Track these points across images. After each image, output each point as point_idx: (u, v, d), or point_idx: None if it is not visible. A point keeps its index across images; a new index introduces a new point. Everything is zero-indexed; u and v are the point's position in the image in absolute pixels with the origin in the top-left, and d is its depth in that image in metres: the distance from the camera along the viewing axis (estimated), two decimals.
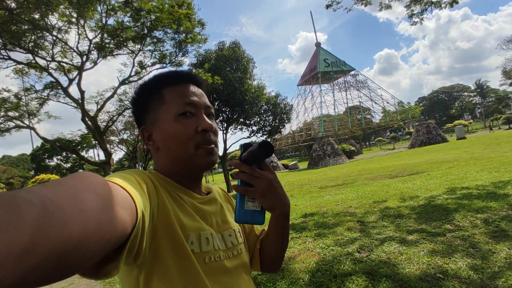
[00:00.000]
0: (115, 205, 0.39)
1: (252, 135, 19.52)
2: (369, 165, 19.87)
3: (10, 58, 11.92)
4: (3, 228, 0.23)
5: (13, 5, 9.49)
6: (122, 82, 14.24)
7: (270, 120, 19.27)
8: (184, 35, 14.12)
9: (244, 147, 0.72)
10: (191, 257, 0.66)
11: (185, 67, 17.28)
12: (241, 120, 18.68)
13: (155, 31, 13.33)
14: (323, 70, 48.18)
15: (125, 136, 21.86)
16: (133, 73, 14.70)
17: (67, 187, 0.34)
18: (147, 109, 0.79)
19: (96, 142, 14.40)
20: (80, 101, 12.30)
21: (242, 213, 0.73)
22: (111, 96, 14.45)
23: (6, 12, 9.28)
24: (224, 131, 18.58)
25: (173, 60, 15.45)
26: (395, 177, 10.75)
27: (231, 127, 19.07)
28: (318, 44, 51.14)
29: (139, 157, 20.91)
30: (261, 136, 19.62)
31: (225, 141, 18.62)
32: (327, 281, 3.27)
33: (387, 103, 49.43)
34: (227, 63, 17.60)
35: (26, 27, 10.59)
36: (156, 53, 14.98)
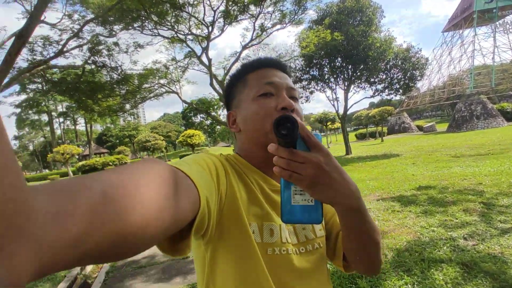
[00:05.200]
0: (176, 193, 0.40)
1: (376, 94, 17.89)
2: None
3: (159, 35, 14.31)
4: (59, 216, 0.24)
5: None
6: (244, 47, 15.16)
7: (399, 77, 17.07)
8: None
9: (278, 123, 0.52)
10: (253, 244, 0.65)
11: (305, 25, 16.92)
12: (364, 78, 17.24)
13: None
14: (482, 8, 37.84)
15: None
16: (254, 37, 15.43)
17: (131, 174, 0.35)
18: (233, 95, 0.82)
19: (223, 104, 16.27)
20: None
21: (289, 209, 0.58)
22: (235, 61, 15.67)
23: None
24: (345, 90, 17.64)
25: (293, 18, 15.33)
26: None
27: (353, 86, 17.92)
28: None
29: None
30: (386, 95, 17.74)
31: (346, 100, 17.75)
32: (411, 263, 3.02)
33: None
34: (349, 15, 16.15)
35: (168, 6, 12.36)
36: (276, 13, 15.13)
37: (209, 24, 13.64)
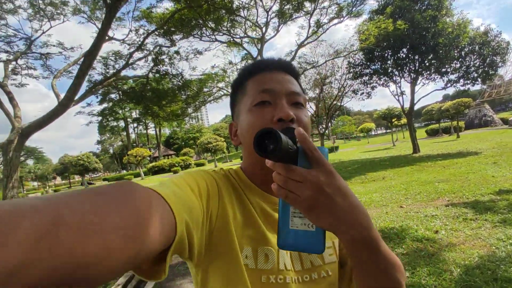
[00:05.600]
0: (148, 220, 0.37)
1: (449, 85, 16.07)
2: None
3: (216, 40, 14.89)
4: None
5: None
6: (300, 45, 14.95)
7: (476, 65, 15.08)
8: None
9: (258, 141, 0.45)
10: (243, 272, 0.59)
11: (364, 17, 15.99)
12: (434, 68, 15.61)
13: None
14: None
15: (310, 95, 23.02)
16: (310, 34, 15.11)
17: (95, 198, 0.32)
18: (235, 104, 0.77)
19: None
20: None
21: (286, 234, 0.52)
22: (292, 60, 15.54)
23: (207, 4, 11.48)
24: (412, 83, 16.19)
25: (351, 10, 14.68)
26: None
27: (421, 78, 16.34)
28: None
29: (321, 116, 21.73)
30: (462, 85, 15.81)
31: (412, 94, 16.27)
32: (481, 283, 2.59)
33: None
34: (414, 0, 14.79)
35: (223, 13, 12.77)
36: (332, 7, 14.61)
37: (263, 26, 13.75)
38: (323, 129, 20.61)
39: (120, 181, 0.41)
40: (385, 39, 14.48)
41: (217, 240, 0.60)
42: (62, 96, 7.02)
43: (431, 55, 15.03)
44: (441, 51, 14.53)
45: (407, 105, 16.63)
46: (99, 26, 7.79)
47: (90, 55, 5.13)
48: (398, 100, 16.66)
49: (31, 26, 9.97)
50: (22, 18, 9.80)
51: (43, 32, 10.11)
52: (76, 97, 6.60)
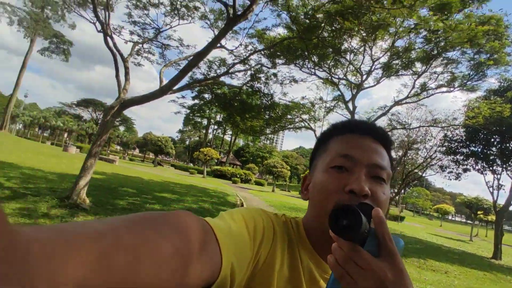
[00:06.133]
0: (193, 255, 0.37)
1: None
2: None
3: (315, 74, 15.19)
4: (56, 258, 0.21)
5: (325, 34, 11.95)
6: (396, 103, 14.30)
7: None
8: (487, 55, 11.95)
9: (335, 214, 0.44)
10: None
11: (479, 93, 14.58)
12: None
13: (446, 52, 12.23)
14: None
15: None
16: (411, 94, 14.37)
17: (153, 226, 0.34)
18: (315, 157, 0.75)
19: None
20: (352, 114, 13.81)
21: None
22: (383, 114, 14.95)
23: (317, 40, 11.87)
24: None
25: (465, 83, 13.54)
26: None
27: None
28: None
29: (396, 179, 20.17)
30: None
31: None
32: None
33: None
34: None
35: (330, 51, 13.03)
36: (445, 75, 13.71)
37: (364, 73, 13.61)
38: (394, 194, 19.04)
39: (178, 210, 0.42)
40: (496, 123, 12.93)
41: (256, 286, 0.57)
42: (164, 82, 7.93)
43: None
44: None
45: (501, 201, 14.43)
46: (216, 33, 8.68)
47: (200, 56, 5.74)
48: (492, 193, 14.55)
49: (164, 20, 11.57)
50: (160, 12, 11.49)
51: (171, 27, 11.64)
52: (175, 88, 7.37)
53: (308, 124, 16.38)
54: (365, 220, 0.41)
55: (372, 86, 15.49)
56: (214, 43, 6.53)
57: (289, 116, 16.09)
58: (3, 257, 0.18)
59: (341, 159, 0.64)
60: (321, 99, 16.44)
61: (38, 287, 0.20)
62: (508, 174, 14.27)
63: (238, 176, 36.38)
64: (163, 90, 7.44)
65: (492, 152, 14.40)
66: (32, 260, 0.20)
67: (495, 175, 14.51)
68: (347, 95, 15.46)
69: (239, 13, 7.02)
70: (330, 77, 14.86)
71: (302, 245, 0.66)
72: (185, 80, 9.05)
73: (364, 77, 13.66)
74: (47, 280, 0.21)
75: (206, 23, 12.12)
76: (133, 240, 0.29)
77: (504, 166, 14.28)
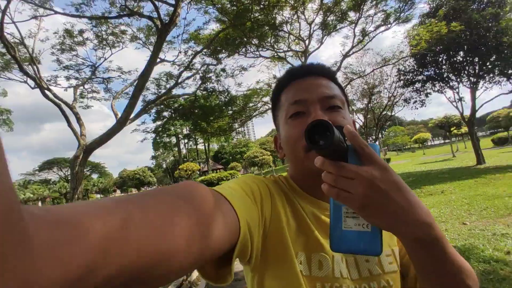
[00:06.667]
0: (212, 219, 0.38)
1: None
2: None
3: (260, 56, 15.23)
4: (61, 245, 0.20)
5: (256, 14, 11.95)
6: (345, 56, 14.64)
7: None
8: None
9: (309, 133, 0.43)
10: (299, 277, 0.58)
11: (414, 21, 15.23)
12: (498, 70, 14.21)
13: None
14: None
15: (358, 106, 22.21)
16: (355, 43, 14.76)
17: (162, 198, 0.33)
18: (275, 117, 0.78)
19: None
20: None
21: (339, 236, 0.49)
22: (337, 70, 15.26)
23: (251, 22, 11.86)
24: (472, 88, 14.85)
25: (399, 16, 14.10)
26: None
27: (482, 81, 14.94)
28: None
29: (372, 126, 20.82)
30: None
31: (473, 100, 14.90)
32: None
33: None
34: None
35: (266, 29, 13.07)
36: (379, 15, 14.19)
37: (306, 39, 13.78)
38: (373, 141, 19.69)
39: (185, 181, 0.42)
40: (439, 43, 13.60)
41: (272, 244, 0.59)
42: (120, 115, 7.68)
43: (494, 56, 13.76)
44: (505, 51, 13.23)
45: (467, 112, 15.28)
46: (152, 50, 8.44)
47: (143, 76, 5.58)
48: (457, 107, 15.39)
49: (95, 54, 11.14)
50: (89, 48, 11.05)
51: (105, 59, 11.24)
52: (132, 116, 7.16)
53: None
54: (337, 132, 0.42)
55: (317, 49, 15.78)
56: (153, 60, 6.37)
57: (251, 104, 16.11)
58: (15, 232, 0.17)
59: (293, 107, 0.67)
60: (275, 77, 16.56)
61: (42, 269, 0.19)
62: (464, 85, 15.12)
63: (225, 178, 36.22)
64: (121, 123, 7.21)
65: (444, 71, 15.15)
66: (36, 249, 0.19)
67: (453, 90, 15.31)
68: (298, 65, 15.66)
69: (166, 22, 6.87)
70: (275, 54, 14.96)
71: (297, 195, 0.69)
72: (139, 106, 8.82)
73: (307, 42, 13.84)
74: (51, 264, 0.20)
75: (139, 43, 11.81)
76: (142, 215, 0.28)
77: (458, 79, 15.10)
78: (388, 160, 32.09)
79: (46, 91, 8.00)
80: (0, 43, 7.77)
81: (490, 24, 13.06)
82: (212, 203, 0.40)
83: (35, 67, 8.21)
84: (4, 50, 8.73)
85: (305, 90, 0.68)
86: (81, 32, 10.32)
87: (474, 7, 13.66)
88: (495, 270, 3.15)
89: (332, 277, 0.59)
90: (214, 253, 0.39)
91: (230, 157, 62.33)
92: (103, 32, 10.62)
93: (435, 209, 6.33)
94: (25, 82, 8.89)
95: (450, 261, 0.47)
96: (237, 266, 0.55)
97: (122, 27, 10.90)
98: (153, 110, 14.30)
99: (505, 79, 14.55)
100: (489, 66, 14.30)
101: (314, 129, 0.42)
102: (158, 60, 8.34)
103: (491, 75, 14.75)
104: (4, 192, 0.16)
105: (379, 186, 0.43)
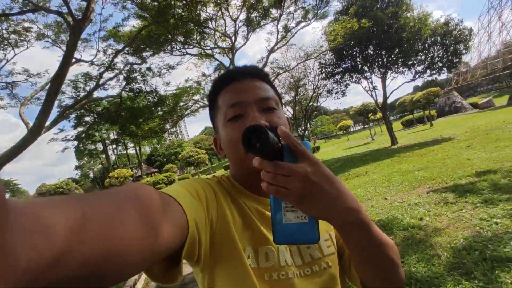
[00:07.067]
0: (161, 217, 0.39)
1: (417, 76, 16.69)
2: None
3: (187, 53, 14.82)
4: (39, 231, 0.22)
5: (179, 10, 11.54)
6: (270, 51, 15.12)
7: (440, 55, 15.78)
8: None
9: (245, 137, 0.45)
10: (249, 271, 0.61)
11: (330, 18, 16.42)
12: (400, 62, 16.21)
13: None
14: None
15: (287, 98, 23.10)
16: (279, 39, 15.34)
17: (113, 197, 0.34)
18: (213, 119, 0.79)
19: None
20: None
21: (281, 229, 0.53)
22: (264, 66, 15.66)
23: (174, 19, 11.43)
24: (382, 78, 16.70)
25: (316, 13, 15.02)
26: None
27: (390, 72, 16.91)
28: None
29: (299, 118, 21.95)
30: (429, 76, 16.47)
31: (384, 88, 16.76)
32: (470, 264, 2.66)
33: None
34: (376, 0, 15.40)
35: (191, 26, 12.74)
36: (298, 12, 14.92)
37: (232, 35, 13.83)
38: (303, 131, 20.83)
39: (130, 183, 0.42)
40: (352, 38, 14.92)
41: (219, 242, 0.61)
42: (31, 123, 6.75)
43: (397, 50, 15.62)
44: (405, 45, 15.13)
45: (380, 99, 17.13)
46: (65, 49, 7.59)
47: (57, 79, 4.97)
48: (372, 95, 17.13)
49: None
50: None
51: (8, 61, 9.76)
52: (47, 124, 6.35)
53: (203, 102, 16.23)
54: (271, 134, 0.45)
55: (243, 45, 16.00)
56: (67, 60, 5.71)
57: (181, 103, 15.64)
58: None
59: (232, 110, 0.69)
60: (204, 74, 16.32)
61: (23, 263, 0.20)
62: (376, 76, 16.87)
63: (161, 181, 34.73)
64: (34, 132, 6.33)
65: (358, 63, 16.68)
66: (18, 233, 0.21)
67: (368, 80, 16.99)
68: (226, 61, 15.66)
69: (79, 17, 6.21)
70: (202, 51, 14.74)
71: (240, 193, 0.71)
72: (54, 112, 7.86)
73: (233, 38, 13.91)
74: (34, 256, 0.21)
75: (48, 41, 10.49)
76: (98, 210, 0.29)
77: (370, 70, 16.80)
78: (318, 148, 34.31)
79: None
80: None
81: (391, 21, 14.72)
82: (160, 202, 0.41)
83: None
84: None
85: (242, 92, 0.70)
86: None
87: (378, 6, 15.27)
88: (413, 235, 3.62)
89: (278, 266, 0.63)
90: (163, 250, 0.39)
91: (165, 159, 59.92)
92: (3, 31, 9.20)
93: (361, 189, 6.99)
94: None
95: (374, 238, 0.54)
96: (185, 269, 0.54)
97: (26, 24, 9.57)
98: (73, 116, 12.93)
99: (407, 69, 16.67)
100: (394, 58, 16.18)
101: (250, 133, 0.45)
102: (74, 60, 7.50)
103: (396, 66, 16.74)
104: None
105: (313, 179, 0.48)
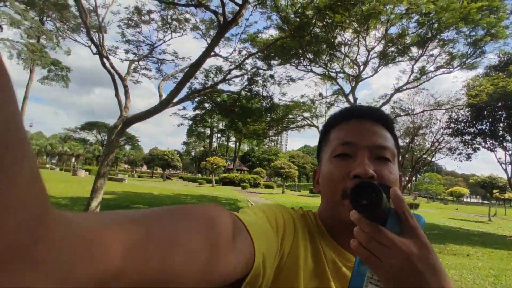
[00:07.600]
0: (226, 245, 0.37)
1: None
2: None
3: (311, 71, 15.16)
4: (93, 245, 0.21)
5: (317, 30, 11.92)
6: (397, 90, 14.20)
7: None
8: (484, 31, 11.75)
9: (355, 191, 0.43)
10: None
11: (479, 70, 14.42)
12: None
13: (441, 34, 12.10)
14: None
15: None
16: (410, 80, 14.25)
17: (183, 216, 0.34)
18: (320, 150, 0.76)
19: None
20: None
21: None
22: (385, 103, 14.84)
23: (310, 36, 11.85)
24: None
25: (464, 62, 13.37)
26: None
27: None
28: None
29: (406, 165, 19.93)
30: None
31: None
32: None
33: None
34: None
35: (324, 46, 13.00)
36: (442, 56, 13.56)
37: (361, 64, 13.53)
38: (405, 182, 18.84)
39: (209, 203, 0.42)
40: (501, 99, 12.76)
41: (284, 279, 0.57)
42: (164, 96, 7.97)
43: None
44: None
45: None
46: (209, 42, 8.72)
47: (195, 66, 5.77)
48: (505, 170, 14.32)
49: (156, 35, 11.68)
50: (152, 28, 11.61)
51: (164, 42, 11.73)
52: (175, 100, 7.41)
53: (311, 121, 16.33)
54: (385, 196, 0.41)
55: (370, 76, 15.44)
56: (208, 52, 6.56)
57: (290, 116, 16.05)
58: (44, 235, 0.18)
59: (342, 147, 0.65)
60: (320, 95, 16.40)
61: (79, 273, 0.19)
62: None
63: (247, 181, 36.34)
64: (163, 104, 7.48)
65: (500, 128, 14.19)
66: (71, 243, 0.20)
67: (506, 151, 14.30)
68: (347, 88, 15.35)
69: (229, 19, 7.05)
70: (327, 72, 14.82)
71: (322, 236, 0.66)
72: (184, 92, 9.12)
73: (362, 68, 13.59)
74: (88, 267, 0.20)
75: (198, 33, 12.20)
76: (164, 230, 0.29)
77: None
78: (417, 205, 30.46)
79: (105, 59, 8.47)
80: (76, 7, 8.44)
81: None
82: (231, 229, 0.39)
83: (100, 35, 8.73)
84: (77, 14, 9.47)
85: (358, 133, 0.66)
86: (149, 12, 10.90)
87: None
88: None
89: None
90: (228, 278, 0.38)
91: (257, 162, 62.56)
92: (169, 16, 11.11)
93: (455, 271, 5.90)
94: (89, 47, 9.47)
95: None
96: None
97: (187, 15, 11.35)
98: (196, 99, 14.69)
99: None
100: None
101: (359, 188, 0.41)
102: (212, 53, 8.55)
103: None
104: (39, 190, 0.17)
105: (416, 264, 0.41)
